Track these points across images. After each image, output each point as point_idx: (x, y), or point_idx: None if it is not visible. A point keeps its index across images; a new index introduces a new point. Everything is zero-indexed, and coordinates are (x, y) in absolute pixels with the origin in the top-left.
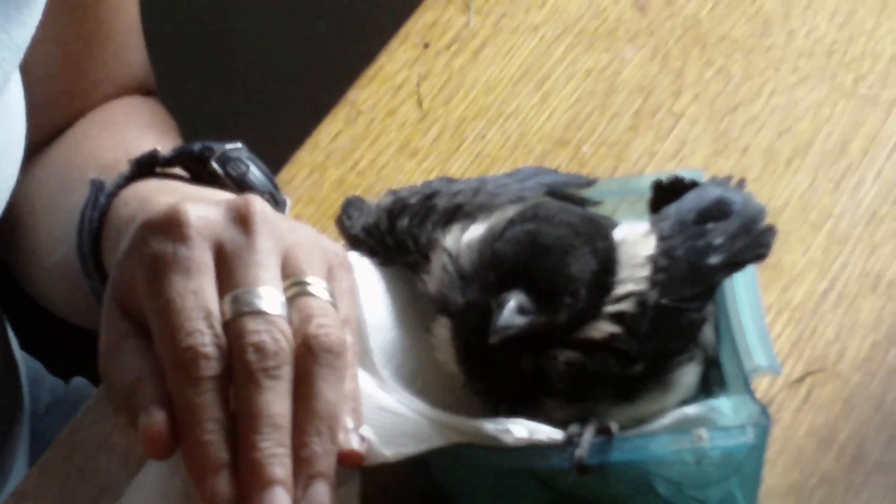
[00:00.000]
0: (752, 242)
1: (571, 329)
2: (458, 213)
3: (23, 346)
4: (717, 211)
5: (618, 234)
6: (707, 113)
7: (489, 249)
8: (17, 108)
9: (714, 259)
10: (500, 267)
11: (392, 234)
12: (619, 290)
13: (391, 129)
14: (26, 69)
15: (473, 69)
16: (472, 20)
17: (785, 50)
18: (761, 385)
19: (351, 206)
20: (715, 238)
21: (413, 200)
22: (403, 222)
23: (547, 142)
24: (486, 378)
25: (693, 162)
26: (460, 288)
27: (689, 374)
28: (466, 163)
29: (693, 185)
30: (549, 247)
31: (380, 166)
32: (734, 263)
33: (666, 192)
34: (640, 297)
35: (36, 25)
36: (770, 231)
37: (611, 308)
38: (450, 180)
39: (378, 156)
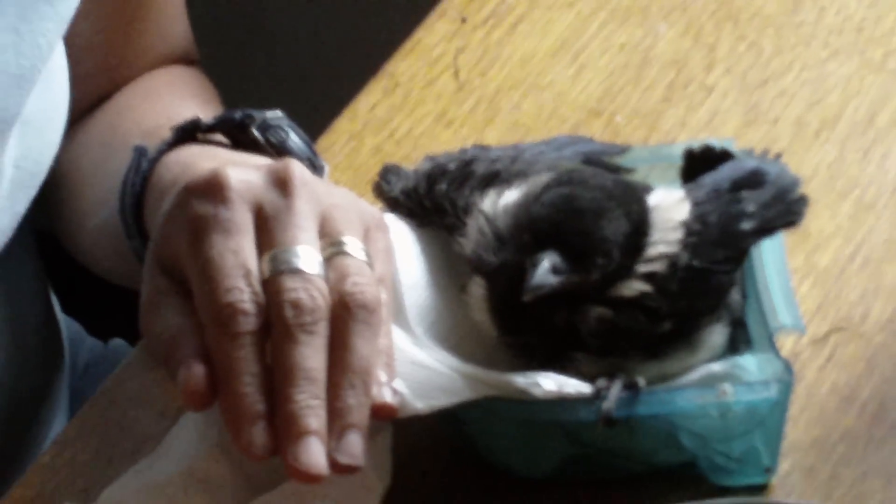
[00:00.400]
0: (785, 210)
1: (603, 288)
2: (496, 179)
3: (63, 309)
4: (752, 180)
5: (653, 198)
6: (738, 86)
7: (525, 211)
8: (60, 77)
9: (746, 225)
10: (535, 228)
11: (430, 197)
12: (651, 251)
13: (428, 99)
14: (69, 40)
15: (510, 43)
16: None
17: (815, 26)
18: (786, 344)
19: (389, 172)
20: (748, 205)
21: (452, 166)
22: (442, 186)
23: (581, 112)
24: (520, 334)
25: (724, 132)
26: (496, 249)
27: (716, 335)
28: (501, 132)
29: (724, 154)
30: (583, 209)
31: (417, 135)
32: (766, 229)
33: (697, 161)
34: (671, 259)
35: None
36: (802, 200)
37: (642, 268)
38: (486, 148)
39: (415, 125)
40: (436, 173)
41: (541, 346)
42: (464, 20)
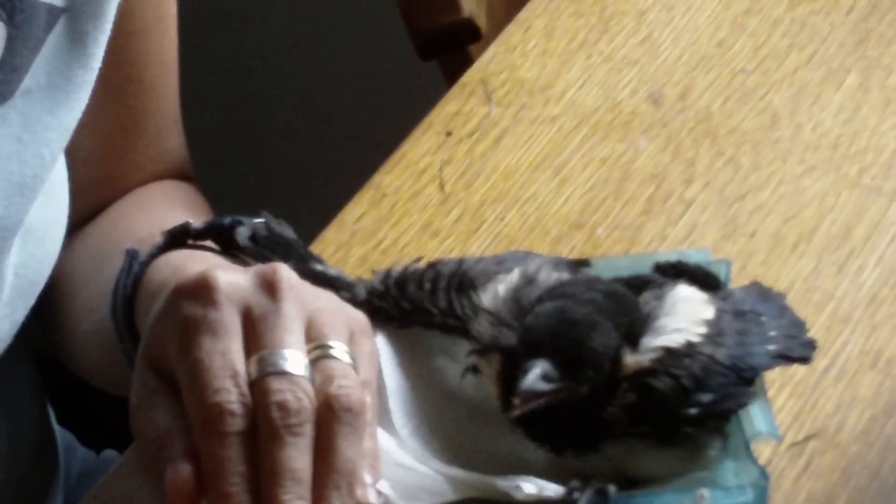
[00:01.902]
0: (799, 344)
1: (595, 404)
2: (465, 277)
3: (57, 420)
4: (775, 309)
5: (682, 291)
6: (717, 200)
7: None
8: (61, 189)
9: (772, 346)
10: (528, 337)
11: (407, 299)
12: (675, 336)
13: (414, 210)
14: (69, 152)
15: (494, 156)
16: (493, 111)
17: (792, 143)
18: (763, 453)
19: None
20: (770, 329)
21: (411, 270)
22: (412, 288)
23: (563, 225)
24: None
25: (703, 245)
26: (504, 334)
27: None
28: (486, 243)
29: (696, 268)
30: (576, 321)
31: (402, 245)
32: (785, 357)
33: (668, 275)
34: (700, 348)
35: (83, 109)
36: (813, 343)
37: (659, 342)
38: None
39: (401, 235)
40: (402, 278)
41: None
42: (449, 134)
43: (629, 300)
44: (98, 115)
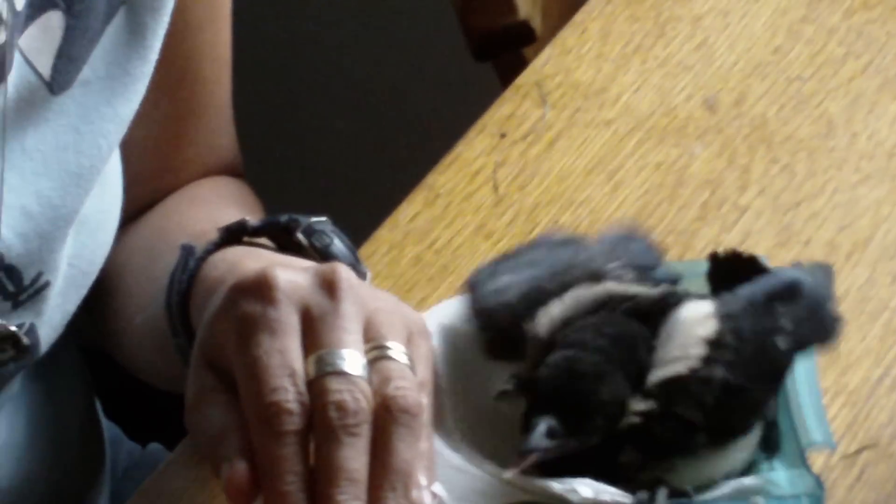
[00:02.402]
0: (819, 326)
1: (608, 449)
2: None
3: (104, 413)
4: (787, 294)
5: (682, 312)
6: (771, 207)
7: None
8: (115, 181)
9: (782, 342)
10: (538, 392)
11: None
12: (668, 368)
13: (467, 211)
14: (122, 145)
15: (548, 159)
16: (547, 113)
17: (847, 151)
18: (817, 461)
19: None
20: (784, 321)
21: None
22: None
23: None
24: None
25: (757, 252)
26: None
27: (750, 437)
28: None
29: (751, 260)
30: (583, 373)
31: (455, 246)
32: (801, 346)
33: (723, 266)
34: (703, 373)
35: (140, 101)
36: (837, 319)
37: (653, 379)
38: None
39: (454, 236)
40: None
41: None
42: (503, 135)
43: (640, 340)
44: (152, 109)
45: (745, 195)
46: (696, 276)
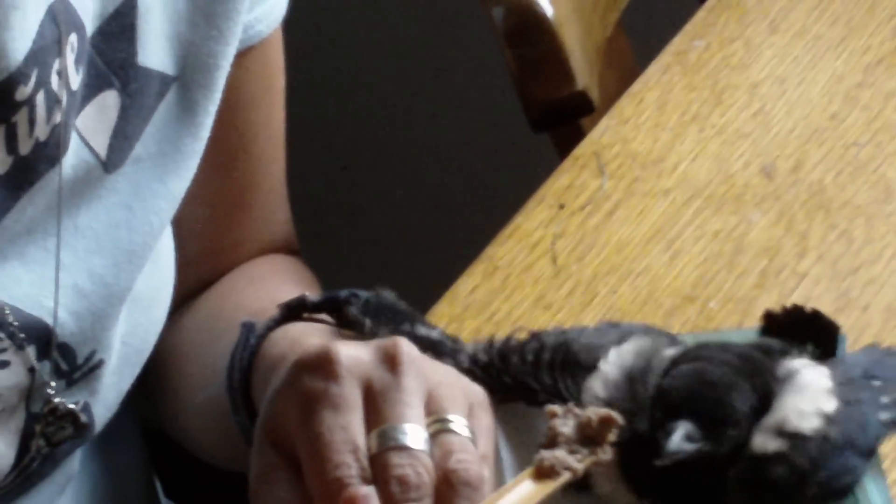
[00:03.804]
0: None
1: (731, 461)
2: (569, 351)
3: (165, 492)
4: (881, 370)
5: (804, 377)
6: (830, 273)
7: (654, 387)
8: (167, 257)
9: (884, 415)
10: (668, 399)
11: (510, 375)
12: (797, 422)
13: (526, 283)
14: (176, 222)
15: (606, 229)
16: (605, 184)
17: None
18: None
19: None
20: (881, 396)
21: (513, 343)
22: (516, 362)
23: (676, 298)
24: (659, 497)
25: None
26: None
27: None
28: (598, 316)
29: (815, 315)
30: (714, 382)
31: (515, 318)
32: None
33: (779, 323)
34: (819, 431)
35: (191, 178)
36: None
37: (783, 427)
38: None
39: (514, 308)
40: (505, 350)
41: None
42: (561, 206)
43: (763, 362)
44: (206, 187)
45: (804, 262)
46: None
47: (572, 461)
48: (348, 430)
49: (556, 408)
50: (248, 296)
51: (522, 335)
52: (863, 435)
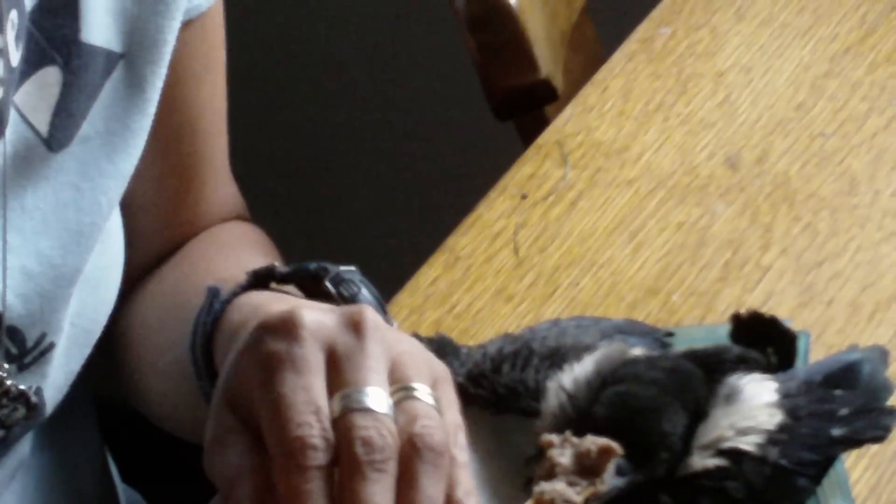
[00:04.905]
0: (872, 423)
1: (671, 475)
2: (556, 355)
3: (123, 478)
4: (845, 377)
5: (746, 392)
6: (794, 267)
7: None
8: (116, 237)
9: (836, 430)
10: (598, 429)
11: (502, 383)
12: (730, 443)
13: (488, 274)
14: (127, 198)
15: (569, 220)
16: (568, 173)
17: (871, 209)
18: None
19: (448, 353)
20: (840, 408)
21: (509, 348)
22: (506, 368)
23: (638, 290)
24: None
25: (779, 313)
26: (576, 425)
27: None
28: (560, 308)
29: (772, 322)
30: (641, 408)
31: (476, 310)
32: (853, 440)
33: (744, 327)
34: (757, 455)
35: (139, 156)
36: (892, 414)
37: (722, 445)
38: (531, 328)
39: (475, 300)
40: (497, 357)
41: None
42: (524, 197)
43: (694, 375)
44: (154, 164)
45: (768, 255)
46: (716, 340)
47: (572, 494)
48: (310, 391)
49: (552, 437)
50: (217, 263)
51: (516, 345)
52: (810, 454)
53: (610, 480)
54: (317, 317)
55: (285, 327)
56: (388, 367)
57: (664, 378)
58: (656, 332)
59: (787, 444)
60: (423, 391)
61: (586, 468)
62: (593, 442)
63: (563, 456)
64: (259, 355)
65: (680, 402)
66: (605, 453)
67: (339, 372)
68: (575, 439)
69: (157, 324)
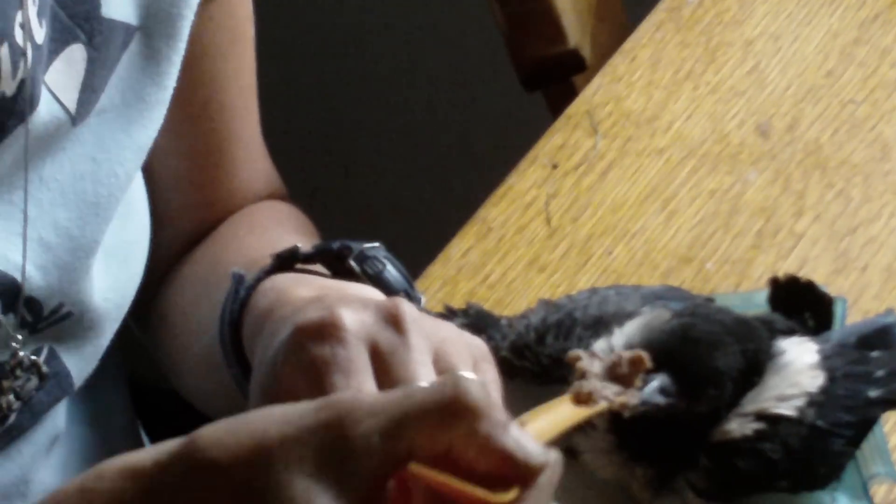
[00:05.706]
0: None
1: (712, 423)
2: (600, 324)
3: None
4: (880, 339)
5: (788, 355)
6: (827, 233)
7: (645, 339)
8: (140, 210)
9: (873, 392)
10: (650, 352)
11: (546, 354)
12: (770, 404)
13: (520, 245)
14: (159, 175)
15: (600, 189)
16: (599, 143)
17: None
18: (878, 493)
19: (488, 325)
20: (876, 370)
21: (552, 318)
22: (550, 339)
23: (672, 259)
24: (641, 460)
25: (814, 279)
26: None
27: None
28: (593, 278)
29: (809, 286)
30: (698, 339)
31: (509, 280)
32: (891, 401)
33: (782, 291)
34: (795, 418)
35: (157, 129)
36: None
37: (760, 409)
38: (569, 296)
39: (507, 270)
40: (541, 328)
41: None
42: (555, 166)
43: (760, 332)
44: (180, 140)
45: (801, 222)
46: (752, 307)
47: (609, 392)
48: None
49: (578, 352)
50: (248, 244)
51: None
52: (847, 415)
53: (650, 394)
54: (356, 316)
55: (326, 331)
56: (432, 357)
57: (731, 323)
58: (696, 297)
59: (824, 406)
60: (469, 377)
61: (617, 378)
62: (625, 353)
63: (592, 366)
64: (303, 362)
65: (740, 346)
66: (636, 363)
67: (386, 369)
68: (601, 354)
69: (191, 307)
